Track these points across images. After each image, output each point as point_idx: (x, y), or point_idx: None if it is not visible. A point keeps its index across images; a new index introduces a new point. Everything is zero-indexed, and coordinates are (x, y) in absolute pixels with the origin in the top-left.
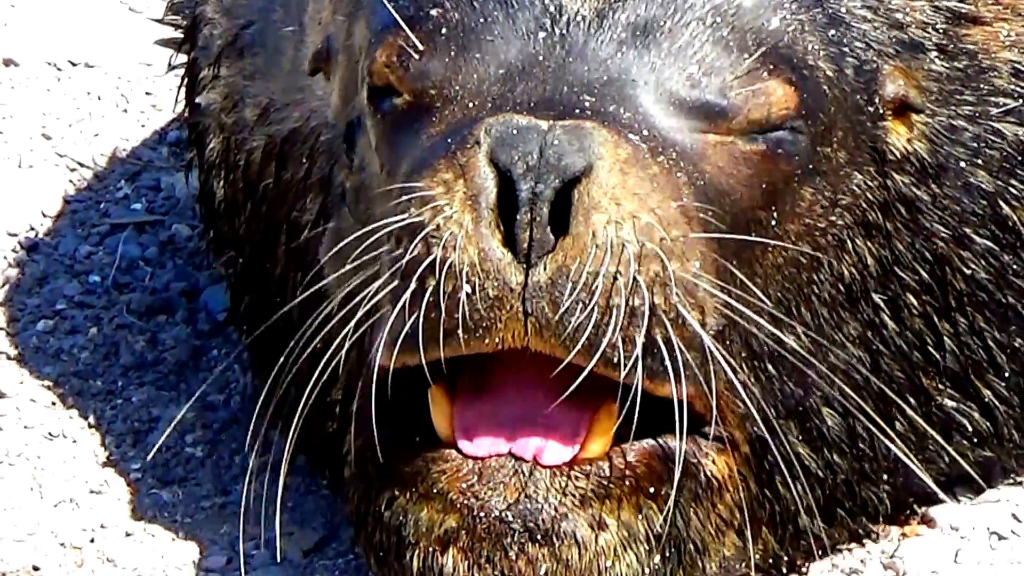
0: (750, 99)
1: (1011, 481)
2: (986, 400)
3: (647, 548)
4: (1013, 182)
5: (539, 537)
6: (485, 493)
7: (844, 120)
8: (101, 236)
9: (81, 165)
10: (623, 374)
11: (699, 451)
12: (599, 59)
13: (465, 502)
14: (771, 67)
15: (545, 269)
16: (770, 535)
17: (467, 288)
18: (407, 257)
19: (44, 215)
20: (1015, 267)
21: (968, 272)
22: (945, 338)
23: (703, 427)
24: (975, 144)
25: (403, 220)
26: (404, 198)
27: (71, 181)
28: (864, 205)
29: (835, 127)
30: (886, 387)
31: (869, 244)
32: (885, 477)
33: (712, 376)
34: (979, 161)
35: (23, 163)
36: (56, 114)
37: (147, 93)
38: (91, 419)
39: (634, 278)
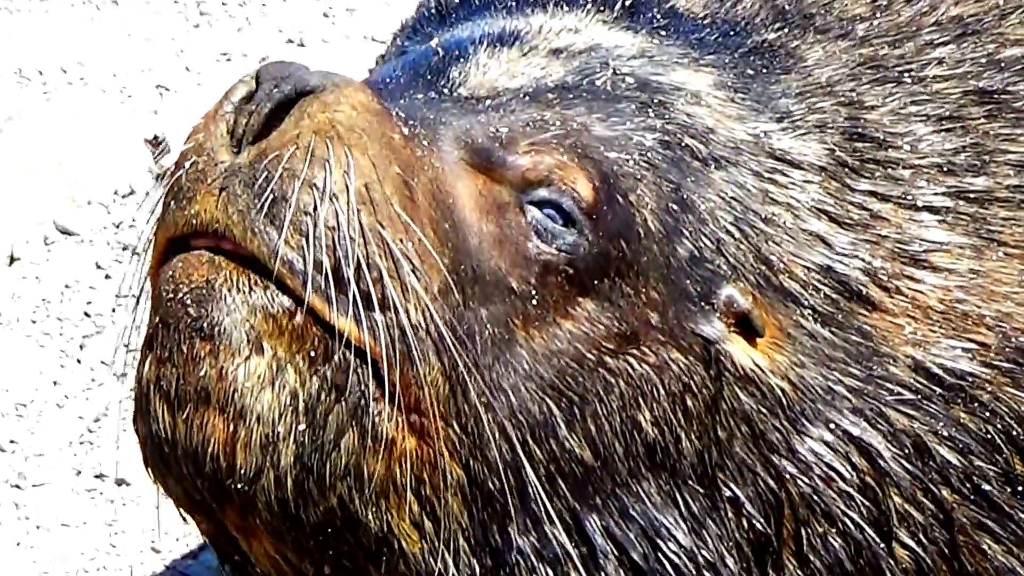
0: (537, 162)
1: None
2: None
3: (292, 405)
4: (896, 469)
5: (204, 329)
6: (181, 278)
7: (660, 284)
8: None
9: None
10: (299, 283)
11: (376, 399)
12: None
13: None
14: (581, 164)
15: (248, 154)
16: None
17: (186, 164)
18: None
19: None
20: (876, 550)
21: (819, 530)
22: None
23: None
24: (855, 417)
25: None
26: None
27: None
28: (680, 386)
29: (644, 278)
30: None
31: (684, 426)
32: None
33: (412, 360)
34: (856, 434)
35: (134, 575)
36: (164, 529)
37: None
38: None
39: (322, 189)
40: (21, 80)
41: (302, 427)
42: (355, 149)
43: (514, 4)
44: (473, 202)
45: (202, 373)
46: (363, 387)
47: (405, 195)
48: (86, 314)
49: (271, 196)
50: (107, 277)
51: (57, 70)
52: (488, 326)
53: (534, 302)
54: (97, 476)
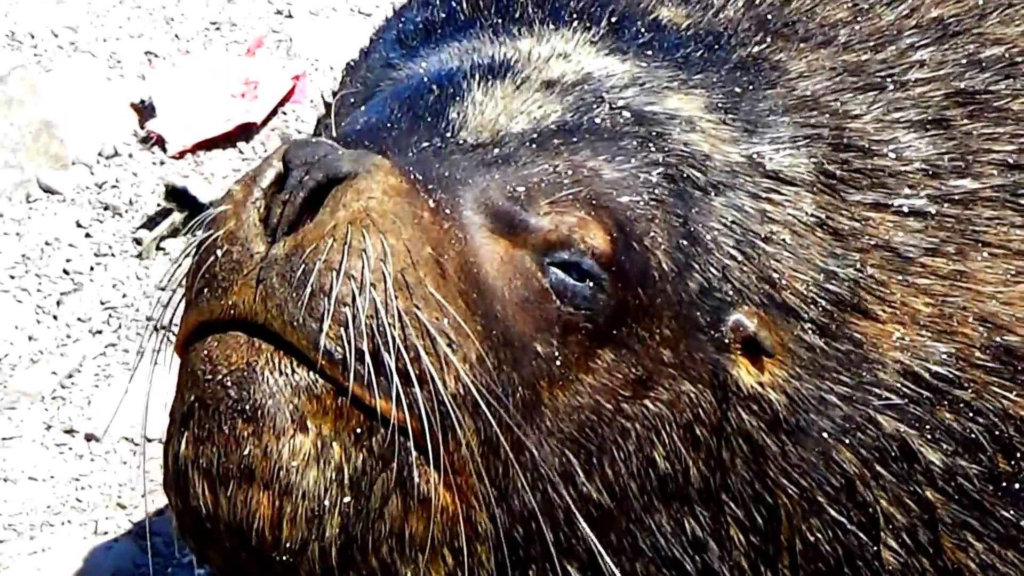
0: (557, 222)
1: None
2: None
3: (338, 479)
4: (881, 470)
5: (247, 410)
6: (219, 359)
7: (673, 321)
8: None
9: (153, 533)
10: (339, 372)
11: (419, 464)
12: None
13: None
14: (598, 216)
15: (284, 246)
16: None
17: (218, 251)
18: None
19: None
20: (864, 553)
21: (811, 539)
22: None
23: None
24: (845, 424)
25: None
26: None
27: (142, 548)
28: (690, 416)
29: (659, 319)
30: None
31: (693, 455)
32: None
33: (451, 439)
34: (846, 441)
35: (99, 530)
36: (131, 485)
37: None
38: None
39: (360, 280)
40: (13, 43)
41: (347, 499)
42: (390, 235)
43: (499, 22)
44: (496, 270)
45: (246, 452)
46: (408, 454)
47: (437, 274)
48: (65, 271)
49: (310, 289)
50: (87, 236)
51: (48, 35)
52: (519, 388)
53: (558, 363)
54: (67, 431)
